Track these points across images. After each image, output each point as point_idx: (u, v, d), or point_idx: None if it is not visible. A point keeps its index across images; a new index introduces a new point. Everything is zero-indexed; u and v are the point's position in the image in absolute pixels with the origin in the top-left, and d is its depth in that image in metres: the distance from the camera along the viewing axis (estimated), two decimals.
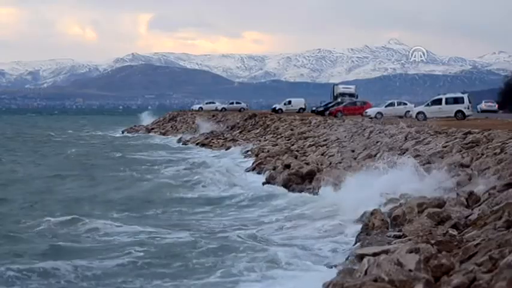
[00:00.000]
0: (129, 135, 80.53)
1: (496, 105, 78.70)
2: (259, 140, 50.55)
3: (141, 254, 15.62)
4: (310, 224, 19.11)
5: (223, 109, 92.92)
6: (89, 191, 27.72)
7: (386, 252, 12.39)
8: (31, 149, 54.32)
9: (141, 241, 17.04)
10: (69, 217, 19.96)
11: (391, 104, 55.38)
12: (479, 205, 15.47)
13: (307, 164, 30.71)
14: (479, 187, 16.95)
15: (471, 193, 16.49)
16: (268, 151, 40.57)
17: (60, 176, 32.86)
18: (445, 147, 24.68)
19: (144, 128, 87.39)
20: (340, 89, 77.77)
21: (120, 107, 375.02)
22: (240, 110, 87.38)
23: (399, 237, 14.56)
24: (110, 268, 14.52)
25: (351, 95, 74.37)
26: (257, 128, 60.39)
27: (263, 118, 65.61)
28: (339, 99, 71.28)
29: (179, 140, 63.92)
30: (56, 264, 14.43)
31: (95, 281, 13.68)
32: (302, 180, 27.92)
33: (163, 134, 77.72)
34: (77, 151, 50.79)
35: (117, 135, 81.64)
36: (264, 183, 29.13)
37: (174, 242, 16.89)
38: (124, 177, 33.02)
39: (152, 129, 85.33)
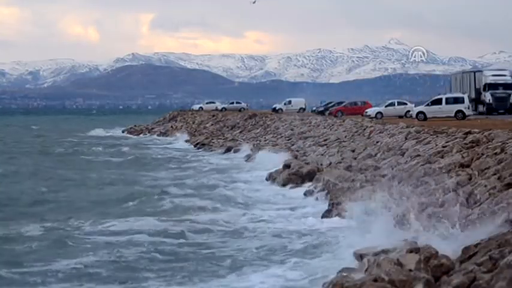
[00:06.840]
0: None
1: None
2: (259, 140, 50.51)
3: None
4: None
5: (224, 109, 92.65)
6: None
7: (386, 252, 12.38)
8: None
9: None
10: None
11: (392, 104, 55.37)
12: (479, 205, 15.45)
13: (307, 163, 30.71)
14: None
15: (471, 193, 16.47)
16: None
17: None
18: (445, 147, 24.67)
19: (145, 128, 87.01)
20: (490, 78, 51.00)
21: (120, 107, 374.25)
22: (240, 110, 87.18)
23: None
24: None
25: (507, 86, 49.64)
26: (257, 128, 60.36)
27: (263, 118, 65.58)
28: (487, 95, 49.69)
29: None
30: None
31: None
32: (302, 180, 27.89)
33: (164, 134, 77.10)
34: None
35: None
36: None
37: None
38: None
39: (152, 129, 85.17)
